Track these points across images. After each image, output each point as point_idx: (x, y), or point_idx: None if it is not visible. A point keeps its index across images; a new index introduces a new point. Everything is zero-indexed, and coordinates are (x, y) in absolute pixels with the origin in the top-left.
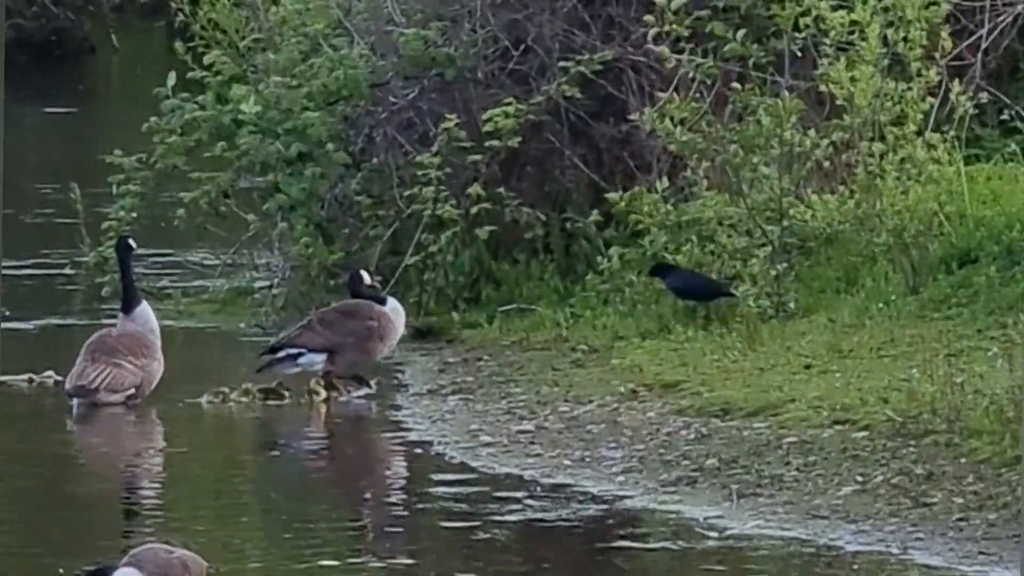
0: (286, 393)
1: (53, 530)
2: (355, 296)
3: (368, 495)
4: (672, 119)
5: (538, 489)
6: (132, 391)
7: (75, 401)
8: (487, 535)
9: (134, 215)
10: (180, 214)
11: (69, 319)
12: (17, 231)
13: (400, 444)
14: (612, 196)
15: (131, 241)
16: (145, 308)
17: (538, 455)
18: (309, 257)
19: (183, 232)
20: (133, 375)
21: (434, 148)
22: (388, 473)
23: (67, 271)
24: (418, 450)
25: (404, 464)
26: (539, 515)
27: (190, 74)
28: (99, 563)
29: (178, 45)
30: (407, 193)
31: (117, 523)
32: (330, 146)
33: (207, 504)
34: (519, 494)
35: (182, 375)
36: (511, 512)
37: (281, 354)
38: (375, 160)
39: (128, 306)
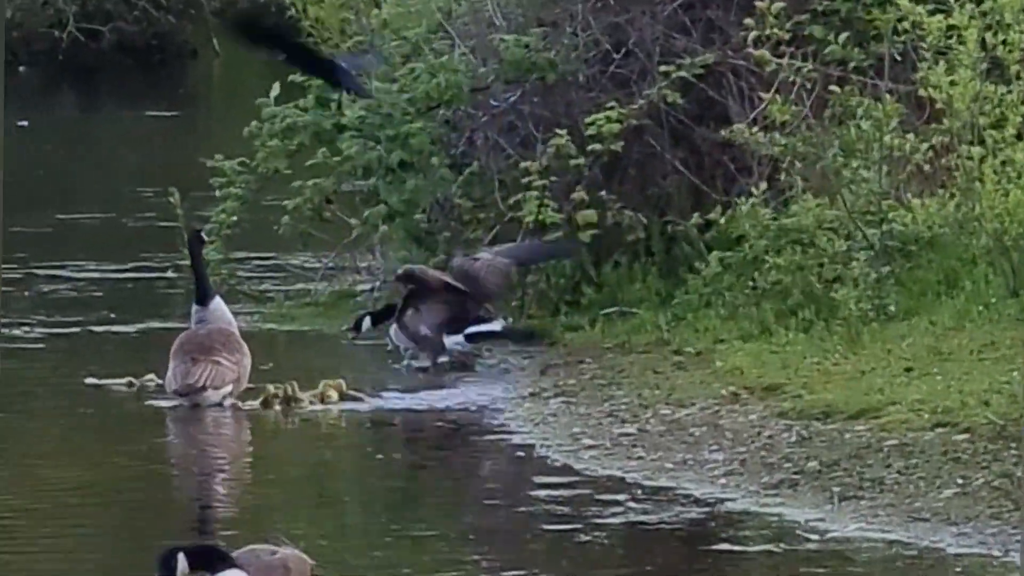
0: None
1: (150, 534)
2: None
3: (470, 498)
4: (768, 126)
5: (640, 492)
6: (230, 387)
7: (177, 401)
8: (588, 537)
9: (235, 218)
10: (284, 221)
11: (170, 322)
12: (118, 235)
13: (503, 447)
14: (714, 216)
15: (203, 234)
16: (219, 301)
17: (640, 458)
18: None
19: (285, 236)
20: (231, 371)
21: (543, 161)
22: (490, 476)
23: (168, 275)
24: (520, 453)
25: (506, 467)
26: (641, 517)
27: (291, 77)
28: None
29: None
30: (512, 200)
31: (217, 525)
32: (434, 160)
33: (307, 509)
34: (621, 496)
35: (283, 378)
36: (613, 515)
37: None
38: (476, 164)
39: (204, 298)
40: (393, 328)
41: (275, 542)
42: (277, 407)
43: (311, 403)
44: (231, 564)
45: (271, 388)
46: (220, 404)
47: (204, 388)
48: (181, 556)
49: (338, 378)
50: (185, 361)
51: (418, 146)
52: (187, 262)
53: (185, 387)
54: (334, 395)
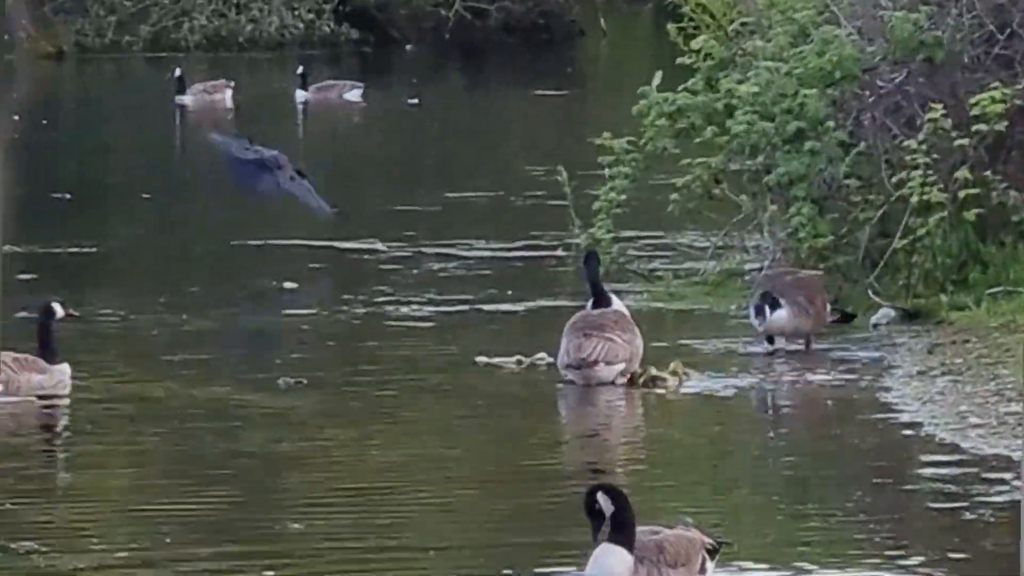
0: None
1: (537, 513)
2: None
3: (859, 476)
4: None
5: None
6: (624, 365)
7: (569, 377)
8: (974, 516)
9: (623, 197)
10: (674, 198)
11: (559, 301)
12: (507, 213)
13: (890, 425)
14: None
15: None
16: (614, 300)
17: None
18: (804, 230)
19: (673, 214)
20: (624, 348)
21: (920, 137)
22: (878, 454)
23: (558, 253)
24: (908, 431)
25: (894, 445)
26: None
27: (679, 59)
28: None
29: (670, 27)
30: (895, 179)
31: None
32: (829, 123)
33: (698, 489)
34: (1007, 475)
35: (672, 357)
36: (999, 493)
37: None
38: (863, 144)
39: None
40: (776, 314)
41: (677, 523)
42: (642, 387)
43: (679, 381)
44: (625, 542)
45: (636, 368)
46: (612, 383)
47: (596, 362)
48: (602, 495)
49: (676, 359)
50: (578, 336)
51: (812, 112)
52: (576, 241)
53: (578, 360)
54: (680, 376)
